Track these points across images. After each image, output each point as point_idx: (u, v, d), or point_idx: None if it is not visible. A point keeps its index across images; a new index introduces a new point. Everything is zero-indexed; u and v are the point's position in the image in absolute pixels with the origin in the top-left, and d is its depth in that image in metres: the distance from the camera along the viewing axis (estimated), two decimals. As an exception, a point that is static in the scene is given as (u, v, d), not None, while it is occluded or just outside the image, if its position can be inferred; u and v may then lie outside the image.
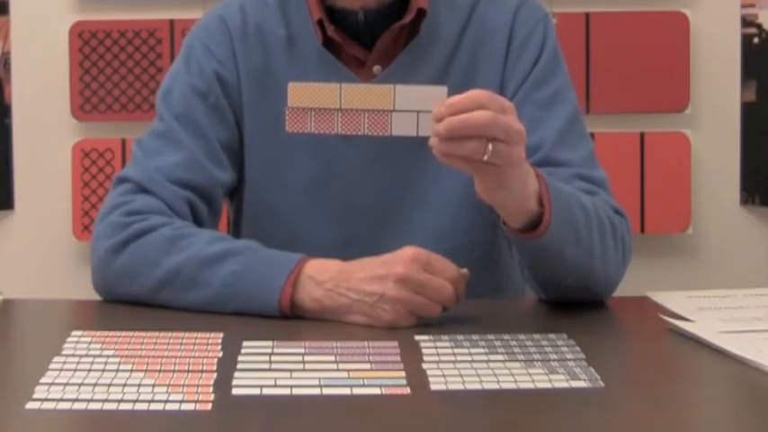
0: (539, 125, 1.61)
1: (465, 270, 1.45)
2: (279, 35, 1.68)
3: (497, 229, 1.66)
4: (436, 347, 1.32)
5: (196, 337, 1.35)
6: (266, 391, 1.16)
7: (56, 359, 1.26)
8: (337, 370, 1.22)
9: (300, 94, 1.35)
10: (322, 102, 1.35)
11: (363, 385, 1.17)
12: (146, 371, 1.21)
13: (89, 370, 1.22)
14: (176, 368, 1.23)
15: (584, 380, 1.19)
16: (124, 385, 1.16)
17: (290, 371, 1.22)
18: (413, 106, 1.34)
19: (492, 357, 1.27)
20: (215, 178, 1.64)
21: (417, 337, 1.36)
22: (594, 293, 1.55)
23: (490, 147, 1.31)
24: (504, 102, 1.34)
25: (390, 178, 1.66)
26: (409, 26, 1.65)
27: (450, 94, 1.33)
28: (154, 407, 1.10)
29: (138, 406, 1.10)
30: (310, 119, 1.35)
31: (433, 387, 1.17)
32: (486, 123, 1.30)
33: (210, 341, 1.34)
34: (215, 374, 1.21)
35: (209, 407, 1.11)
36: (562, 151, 1.61)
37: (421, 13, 1.64)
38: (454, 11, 1.68)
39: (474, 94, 1.32)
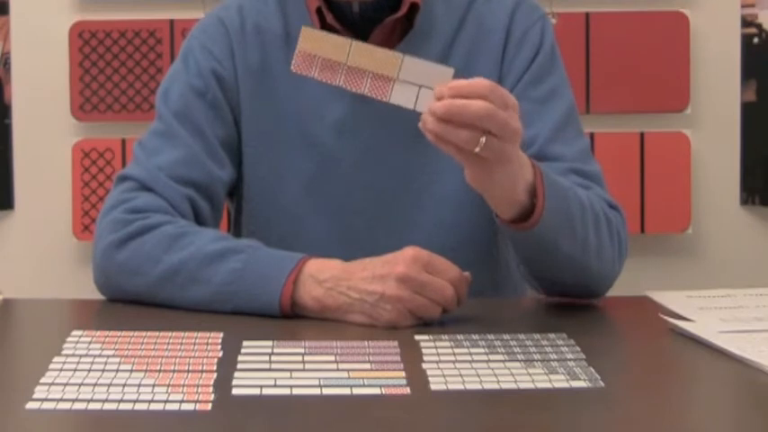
0: (534, 121, 1.61)
1: (467, 273, 1.45)
2: (277, 33, 1.68)
3: (496, 224, 1.66)
4: (436, 347, 1.32)
5: (196, 337, 1.35)
6: (266, 391, 1.16)
7: (56, 359, 1.26)
8: (337, 370, 1.22)
9: (312, 39, 1.37)
10: (330, 52, 1.35)
11: (363, 385, 1.17)
12: (146, 371, 1.21)
13: (89, 370, 1.22)
14: (176, 368, 1.23)
15: (584, 380, 1.19)
16: (124, 385, 1.16)
17: (290, 371, 1.22)
18: (416, 80, 1.34)
19: (492, 357, 1.27)
20: (215, 175, 1.64)
21: (417, 337, 1.36)
22: (591, 289, 1.55)
23: (483, 140, 1.31)
24: (509, 97, 1.34)
25: (388, 175, 1.66)
26: (405, 20, 1.66)
27: None
28: (154, 407, 1.10)
29: (138, 406, 1.10)
30: (316, 65, 1.36)
31: (433, 387, 1.17)
32: (484, 115, 1.30)
33: (210, 341, 1.34)
34: (215, 374, 1.21)
35: (209, 407, 1.11)
36: (556, 146, 1.62)
37: (414, 8, 1.65)
38: (450, 7, 1.69)
39: (479, 82, 1.32)
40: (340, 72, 1.36)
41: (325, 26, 1.64)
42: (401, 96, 1.35)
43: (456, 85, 1.31)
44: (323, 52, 1.36)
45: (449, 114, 1.30)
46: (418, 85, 1.34)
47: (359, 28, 1.65)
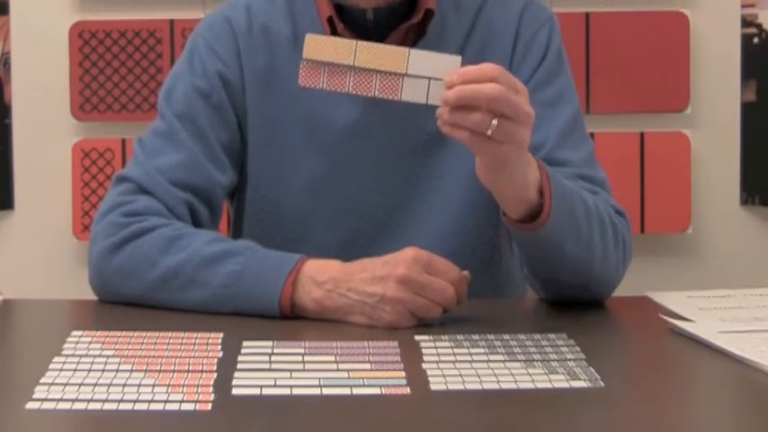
0: (541, 125, 1.61)
1: (466, 272, 1.45)
2: (285, 34, 1.67)
3: (498, 229, 1.66)
4: (436, 347, 1.32)
5: (196, 337, 1.35)
6: (266, 391, 1.16)
7: (56, 359, 1.26)
8: (337, 370, 1.23)
9: (316, 46, 1.35)
10: (336, 56, 1.35)
11: (363, 385, 1.17)
12: (146, 371, 1.21)
13: (89, 370, 1.22)
14: (176, 368, 1.23)
15: (584, 380, 1.19)
16: (124, 385, 1.16)
17: (290, 371, 1.22)
18: (425, 72, 1.34)
19: (492, 357, 1.27)
20: (215, 180, 1.64)
21: (417, 337, 1.36)
22: (594, 293, 1.55)
23: (495, 122, 1.31)
24: (518, 82, 1.34)
25: (393, 179, 1.66)
26: (417, 27, 1.65)
27: None
28: (154, 407, 1.10)
29: (138, 406, 1.10)
30: (323, 75, 1.35)
31: (433, 387, 1.18)
32: (496, 97, 1.30)
33: (210, 341, 1.34)
34: (215, 374, 1.21)
35: (209, 407, 1.11)
36: (563, 151, 1.61)
37: (429, 14, 1.64)
38: (461, 12, 1.68)
39: (488, 66, 1.32)
40: (348, 77, 1.35)
41: (335, 35, 1.63)
42: (412, 92, 1.35)
43: (466, 71, 1.31)
44: (329, 56, 1.35)
45: (462, 100, 1.30)
46: (427, 77, 1.34)
47: (371, 36, 1.64)
